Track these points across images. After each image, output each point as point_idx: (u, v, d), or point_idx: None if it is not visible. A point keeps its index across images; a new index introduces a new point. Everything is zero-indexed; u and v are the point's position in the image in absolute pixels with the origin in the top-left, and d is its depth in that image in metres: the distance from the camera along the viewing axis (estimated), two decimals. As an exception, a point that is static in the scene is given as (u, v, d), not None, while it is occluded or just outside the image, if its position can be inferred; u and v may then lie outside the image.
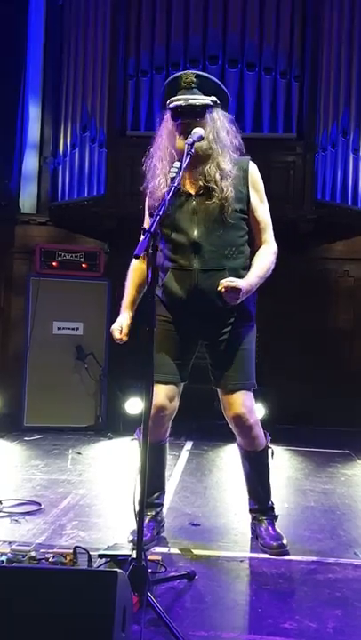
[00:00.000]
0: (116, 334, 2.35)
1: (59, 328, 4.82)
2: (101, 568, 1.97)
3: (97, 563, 2.06)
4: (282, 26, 5.23)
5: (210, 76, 2.30)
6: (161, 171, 2.25)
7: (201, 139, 2.17)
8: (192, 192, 2.25)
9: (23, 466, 3.62)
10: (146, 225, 2.31)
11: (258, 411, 4.60)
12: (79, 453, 4.00)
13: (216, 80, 2.31)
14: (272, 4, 5.22)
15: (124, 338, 2.34)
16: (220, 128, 2.24)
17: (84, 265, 4.96)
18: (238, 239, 2.29)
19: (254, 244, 2.36)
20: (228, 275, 2.23)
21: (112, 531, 2.50)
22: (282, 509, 2.91)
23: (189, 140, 2.10)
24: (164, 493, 2.51)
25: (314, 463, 3.95)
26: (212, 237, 2.24)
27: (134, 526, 2.36)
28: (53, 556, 2.09)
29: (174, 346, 2.31)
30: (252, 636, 1.71)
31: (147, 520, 2.37)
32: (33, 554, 2.10)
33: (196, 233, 2.24)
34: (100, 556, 2.06)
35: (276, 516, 2.46)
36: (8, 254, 5.70)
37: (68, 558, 2.08)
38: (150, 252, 1.84)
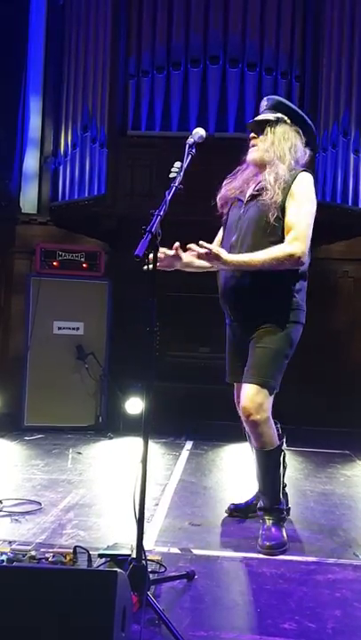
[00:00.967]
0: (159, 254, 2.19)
1: (59, 328, 4.83)
2: (101, 568, 1.97)
3: (97, 562, 2.06)
4: (283, 26, 5.22)
5: (282, 99, 2.56)
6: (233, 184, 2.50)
7: (202, 139, 2.18)
8: (244, 199, 2.41)
9: (23, 465, 3.62)
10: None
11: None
12: (79, 453, 4.00)
13: (291, 105, 2.54)
14: (273, 4, 5.22)
15: (161, 256, 2.28)
16: (280, 140, 2.38)
17: (84, 265, 4.96)
18: (270, 244, 2.31)
19: None
20: (261, 279, 2.31)
21: (112, 530, 2.50)
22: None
23: (190, 140, 2.11)
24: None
25: (313, 464, 3.95)
26: (248, 240, 2.33)
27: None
28: (53, 556, 2.09)
29: (232, 349, 2.54)
30: (252, 636, 1.72)
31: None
32: (33, 553, 2.10)
33: (234, 237, 2.37)
34: (100, 556, 2.06)
35: (284, 519, 2.46)
36: (9, 254, 5.70)
37: (68, 558, 2.08)
38: (151, 251, 1.84)
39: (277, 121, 2.42)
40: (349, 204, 5.17)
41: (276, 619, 1.81)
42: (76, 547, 2.15)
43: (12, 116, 5.58)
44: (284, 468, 2.55)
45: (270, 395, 2.37)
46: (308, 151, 2.48)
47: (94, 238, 5.57)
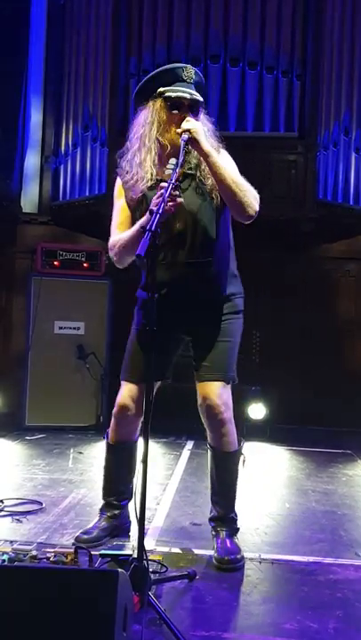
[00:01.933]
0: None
1: (60, 327, 4.83)
2: (102, 568, 1.97)
3: (98, 562, 2.06)
4: (283, 24, 5.21)
5: (202, 75, 2.30)
6: (143, 163, 2.18)
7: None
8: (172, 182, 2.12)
9: (24, 465, 3.62)
10: (119, 215, 2.28)
11: (258, 410, 4.65)
12: (80, 453, 4.00)
13: (203, 81, 2.31)
14: (274, 3, 5.21)
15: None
16: (207, 127, 2.23)
17: (85, 264, 4.96)
18: (220, 226, 2.22)
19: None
20: (215, 266, 2.21)
21: (113, 530, 2.50)
22: (283, 509, 2.92)
23: (185, 136, 2.06)
24: (128, 499, 2.38)
25: (315, 463, 3.95)
26: (201, 225, 2.19)
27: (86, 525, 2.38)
28: (54, 556, 2.09)
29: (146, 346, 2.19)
30: (253, 636, 1.71)
31: (102, 521, 2.37)
32: (34, 553, 2.10)
33: (180, 225, 2.17)
34: (101, 556, 2.06)
35: (238, 529, 2.32)
36: (10, 254, 5.70)
37: (70, 558, 2.08)
38: (151, 250, 1.82)
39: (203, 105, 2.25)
40: (351, 203, 5.16)
41: (277, 619, 1.81)
42: (77, 546, 2.15)
43: (13, 115, 5.58)
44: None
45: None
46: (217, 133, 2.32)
47: (95, 238, 5.56)
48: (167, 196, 1.91)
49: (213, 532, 2.31)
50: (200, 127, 2.12)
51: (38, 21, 5.76)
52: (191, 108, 2.18)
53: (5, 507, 2.71)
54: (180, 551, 2.31)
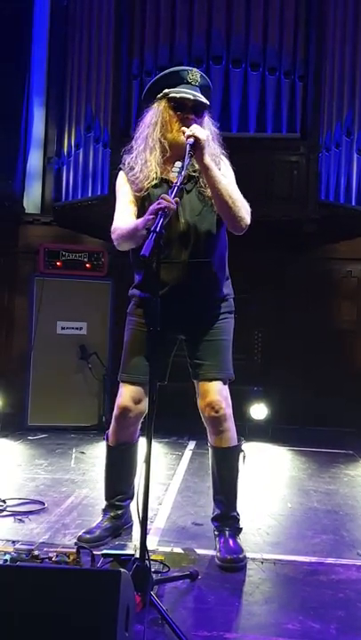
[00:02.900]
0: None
1: (62, 328, 4.84)
2: (105, 567, 1.97)
3: (100, 562, 2.06)
4: (286, 26, 5.22)
5: (208, 79, 2.33)
6: (148, 162, 2.21)
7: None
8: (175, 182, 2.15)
9: (27, 465, 3.63)
10: (124, 210, 2.28)
11: (259, 411, 4.65)
12: (83, 453, 4.01)
13: (210, 85, 2.34)
14: (276, 4, 5.21)
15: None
16: (209, 130, 2.25)
17: (87, 265, 4.97)
18: (218, 231, 2.27)
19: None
20: (215, 267, 2.26)
21: (115, 530, 2.50)
22: (285, 510, 2.92)
23: (190, 140, 2.08)
24: (130, 499, 2.40)
25: (317, 463, 3.95)
26: (202, 228, 2.23)
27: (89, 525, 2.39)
28: (57, 555, 2.09)
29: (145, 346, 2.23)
30: (255, 636, 1.72)
31: (104, 520, 2.38)
32: (36, 553, 2.10)
33: (183, 225, 2.21)
34: (104, 556, 2.07)
35: (240, 529, 2.33)
36: (12, 254, 5.71)
37: (72, 557, 2.08)
38: (155, 252, 1.84)
39: (208, 109, 2.29)
40: (353, 203, 5.16)
41: (279, 619, 1.81)
42: (79, 546, 2.15)
43: (16, 116, 5.60)
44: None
45: None
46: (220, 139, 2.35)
47: (97, 238, 5.58)
48: (173, 199, 1.93)
49: (216, 532, 2.32)
50: (208, 138, 2.14)
51: (41, 22, 5.78)
52: (194, 110, 2.21)
53: (8, 506, 2.71)
54: (182, 551, 2.32)
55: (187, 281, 2.23)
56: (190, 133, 2.09)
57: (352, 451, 4.34)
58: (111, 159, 5.16)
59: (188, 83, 2.23)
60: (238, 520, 2.34)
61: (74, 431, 4.62)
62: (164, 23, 5.28)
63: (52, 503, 2.83)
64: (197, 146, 2.08)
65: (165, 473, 3.53)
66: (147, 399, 2.26)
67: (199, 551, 2.31)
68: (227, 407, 2.27)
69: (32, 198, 5.79)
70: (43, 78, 5.81)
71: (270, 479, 3.56)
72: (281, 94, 5.19)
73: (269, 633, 1.73)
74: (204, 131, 2.14)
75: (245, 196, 2.26)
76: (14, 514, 2.63)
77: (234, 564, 2.15)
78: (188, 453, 4.08)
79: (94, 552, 2.10)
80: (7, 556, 2.05)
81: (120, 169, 2.34)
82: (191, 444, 4.36)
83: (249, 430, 4.48)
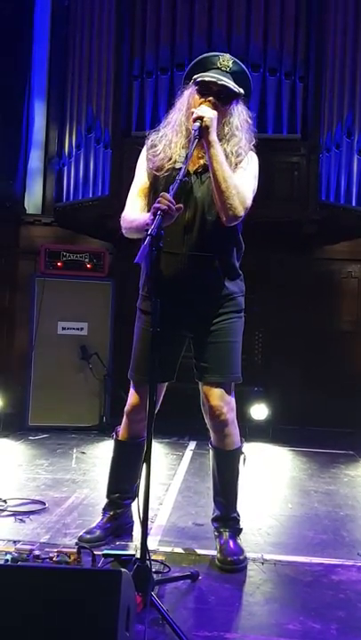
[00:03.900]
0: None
1: (63, 328, 4.84)
2: (105, 567, 1.98)
3: (101, 562, 2.07)
4: (286, 27, 5.22)
5: (245, 67, 2.25)
6: (173, 144, 2.19)
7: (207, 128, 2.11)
8: (191, 170, 2.17)
9: (28, 465, 3.63)
10: (135, 201, 2.26)
11: (260, 411, 4.65)
12: (83, 453, 4.01)
13: (248, 75, 2.27)
14: (276, 5, 5.22)
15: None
16: (238, 120, 2.21)
17: (88, 265, 4.97)
18: (223, 223, 2.17)
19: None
20: (218, 262, 2.20)
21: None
22: (285, 510, 2.92)
23: (196, 125, 2.04)
24: (131, 499, 2.38)
25: (317, 464, 3.95)
26: (208, 218, 2.17)
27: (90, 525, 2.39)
28: (57, 555, 2.09)
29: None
30: (256, 636, 1.72)
31: (104, 520, 2.37)
32: (37, 553, 2.11)
33: (189, 215, 2.15)
34: (104, 556, 2.07)
35: (240, 530, 2.32)
36: (13, 255, 5.72)
37: (72, 557, 2.08)
38: (153, 253, 1.82)
39: (241, 97, 2.22)
40: (353, 204, 5.16)
41: (280, 619, 1.82)
42: (80, 546, 2.16)
43: (17, 116, 5.61)
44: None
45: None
46: (254, 132, 2.31)
47: (98, 239, 5.58)
48: (172, 195, 1.91)
49: (216, 533, 2.31)
50: (214, 117, 2.08)
51: (42, 22, 5.79)
52: (220, 95, 2.16)
53: (8, 506, 2.71)
54: (183, 551, 2.32)
55: (186, 274, 2.17)
56: (195, 115, 2.06)
57: (352, 451, 4.35)
58: (112, 160, 5.16)
59: (218, 68, 2.17)
60: (238, 521, 2.33)
61: (74, 431, 4.63)
62: (165, 23, 5.29)
63: (53, 503, 2.83)
64: (204, 126, 2.04)
65: (166, 473, 3.53)
66: (159, 397, 2.28)
67: (200, 551, 2.31)
68: (229, 412, 2.24)
69: (33, 199, 5.80)
70: (44, 79, 5.82)
71: (271, 479, 3.56)
72: (282, 95, 5.20)
73: (270, 633, 1.73)
74: (212, 111, 2.09)
75: None
76: (15, 514, 2.63)
77: (233, 566, 2.15)
78: (188, 453, 4.09)
79: (95, 552, 2.11)
80: (8, 556, 2.05)
81: (143, 143, 2.32)
82: (192, 445, 4.36)
83: (249, 430, 4.48)
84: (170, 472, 3.56)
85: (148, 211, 2.08)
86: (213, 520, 2.34)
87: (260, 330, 5.32)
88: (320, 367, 5.42)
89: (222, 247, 2.23)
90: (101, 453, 4.04)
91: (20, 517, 2.59)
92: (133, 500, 2.35)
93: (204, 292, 2.22)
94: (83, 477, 3.38)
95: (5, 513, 2.64)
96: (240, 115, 2.22)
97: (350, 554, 2.36)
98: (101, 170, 5.28)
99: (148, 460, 1.85)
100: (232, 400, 2.27)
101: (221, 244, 2.23)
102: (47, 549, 2.18)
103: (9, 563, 2.00)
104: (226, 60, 2.19)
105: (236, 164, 2.18)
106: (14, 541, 2.29)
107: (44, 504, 2.79)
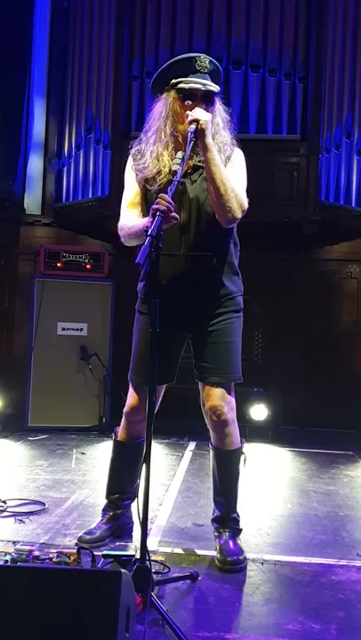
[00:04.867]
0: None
1: (63, 329, 4.84)
2: (105, 568, 1.98)
3: (100, 563, 2.07)
4: (286, 27, 5.23)
5: (217, 63, 2.25)
6: (161, 157, 2.16)
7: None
8: (178, 172, 2.09)
9: (27, 466, 3.63)
10: (129, 211, 2.26)
11: (260, 412, 4.66)
12: (83, 453, 4.01)
13: (220, 69, 2.27)
14: (276, 6, 5.23)
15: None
16: (219, 117, 2.21)
17: (88, 266, 4.98)
18: (219, 223, 2.16)
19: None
20: (217, 261, 2.20)
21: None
22: (285, 510, 2.92)
23: (192, 127, 2.04)
24: (131, 499, 2.39)
25: (317, 464, 3.96)
26: (203, 218, 2.17)
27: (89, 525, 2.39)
28: (57, 556, 2.09)
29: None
30: (256, 636, 1.72)
31: (104, 521, 2.37)
32: (37, 553, 2.10)
33: (184, 216, 2.15)
34: (104, 556, 2.07)
35: (240, 530, 2.32)
36: (13, 255, 5.72)
37: (72, 558, 2.08)
38: (153, 253, 1.83)
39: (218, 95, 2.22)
40: (353, 205, 5.18)
41: (279, 619, 1.82)
42: (79, 547, 2.16)
43: (17, 117, 5.61)
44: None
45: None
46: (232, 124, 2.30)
47: (98, 239, 5.58)
48: (170, 197, 1.91)
49: (216, 533, 2.31)
50: (210, 119, 2.09)
51: (42, 23, 5.79)
52: (205, 99, 2.16)
53: (8, 507, 2.71)
54: (183, 552, 2.32)
55: (185, 275, 2.17)
56: (191, 118, 2.05)
57: (352, 452, 4.35)
58: (112, 160, 5.17)
59: (198, 71, 2.15)
60: (238, 521, 2.33)
61: (74, 432, 4.63)
62: (165, 24, 5.30)
63: (53, 504, 2.83)
64: (199, 129, 2.04)
65: (166, 474, 3.53)
66: (158, 398, 2.27)
67: (200, 552, 2.31)
68: (229, 412, 2.24)
69: (33, 199, 5.80)
70: (43, 79, 5.82)
71: (271, 480, 3.56)
72: (281, 96, 5.20)
73: (270, 634, 1.73)
74: (206, 113, 2.10)
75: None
76: (15, 514, 2.63)
77: (233, 566, 2.15)
78: (188, 454, 4.09)
79: (95, 553, 2.10)
80: (8, 557, 2.05)
81: (128, 153, 2.30)
82: (191, 445, 4.36)
83: (249, 431, 4.49)
84: (169, 473, 3.56)
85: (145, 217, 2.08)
86: (213, 520, 2.35)
87: (260, 330, 5.33)
88: (320, 367, 5.43)
89: (220, 246, 2.24)
90: (101, 454, 4.04)
91: (20, 518, 2.59)
92: (133, 500, 2.35)
93: (203, 292, 2.23)
94: (82, 478, 3.38)
95: (5, 514, 2.64)
96: (220, 112, 2.23)
97: (350, 554, 2.36)
98: (101, 170, 5.29)
99: (147, 461, 1.85)
100: (232, 400, 2.27)
101: (219, 243, 2.23)
102: (47, 550, 2.18)
103: (8, 563, 2.00)
104: (203, 61, 2.17)
105: (225, 160, 2.18)
106: (14, 542, 2.29)
107: (44, 505, 2.79)
